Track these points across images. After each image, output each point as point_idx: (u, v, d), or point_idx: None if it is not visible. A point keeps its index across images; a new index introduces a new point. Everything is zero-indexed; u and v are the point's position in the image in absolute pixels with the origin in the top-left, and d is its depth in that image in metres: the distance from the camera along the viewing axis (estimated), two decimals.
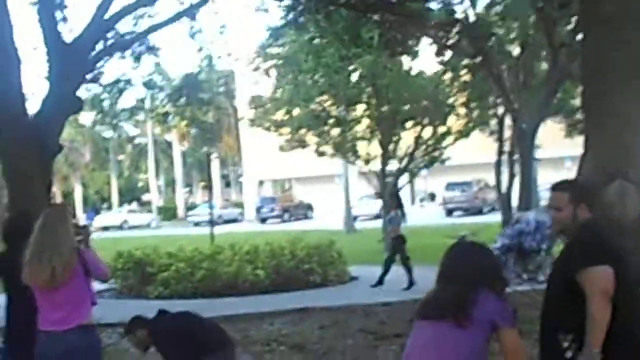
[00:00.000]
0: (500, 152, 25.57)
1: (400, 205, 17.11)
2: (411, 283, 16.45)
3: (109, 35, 11.23)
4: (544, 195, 17.90)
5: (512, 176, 23.85)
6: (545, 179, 39.50)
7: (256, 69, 27.52)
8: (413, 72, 25.76)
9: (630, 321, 4.18)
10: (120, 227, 58.48)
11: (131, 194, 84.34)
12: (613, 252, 4.31)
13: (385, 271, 16.89)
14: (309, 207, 58.60)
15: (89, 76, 11.22)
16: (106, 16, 10.40)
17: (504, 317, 3.87)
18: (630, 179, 5.57)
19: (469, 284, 3.92)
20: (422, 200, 61.36)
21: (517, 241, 15.76)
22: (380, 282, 16.84)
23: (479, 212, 46.46)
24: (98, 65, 11.62)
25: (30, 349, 5.59)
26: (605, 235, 4.45)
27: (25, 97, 9.25)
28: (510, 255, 15.60)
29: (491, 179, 34.02)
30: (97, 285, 5.80)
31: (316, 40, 20.23)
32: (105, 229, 55.27)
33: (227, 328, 12.02)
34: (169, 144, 77.94)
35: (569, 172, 42.91)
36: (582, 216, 4.41)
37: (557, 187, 4.62)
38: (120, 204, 76.22)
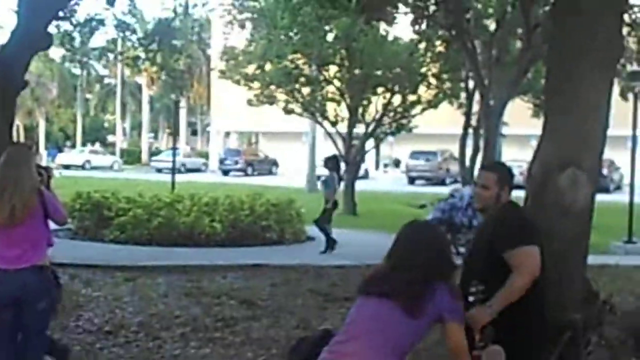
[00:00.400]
0: (467, 126, 25.76)
1: (337, 169, 16.59)
2: (328, 247, 16.06)
3: None
4: None
5: (476, 150, 24.05)
6: (510, 155, 39.97)
7: (231, 20, 27.32)
8: (389, 39, 25.74)
9: (540, 298, 4.57)
10: (82, 167, 58.03)
11: (96, 134, 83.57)
12: (539, 233, 4.66)
13: (326, 234, 16.42)
14: (274, 163, 58.58)
15: (61, 13, 11.09)
16: None
17: (453, 313, 3.88)
18: (583, 167, 5.67)
19: (425, 275, 3.87)
20: (386, 165, 61.62)
21: (449, 215, 15.99)
22: (329, 247, 16.18)
23: (442, 182, 46.74)
24: (71, 2, 11.49)
25: None
26: (529, 216, 4.93)
27: None
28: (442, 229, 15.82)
29: (456, 151, 34.30)
30: (52, 225, 5.81)
31: None
32: (67, 167, 54.82)
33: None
34: (138, 87, 77.24)
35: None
36: (505, 198, 4.75)
37: (486, 167, 5.13)
38: (84, 143, 75.54)
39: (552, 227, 5.46)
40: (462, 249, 15.83)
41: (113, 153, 68.45)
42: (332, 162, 16.55)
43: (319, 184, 24.29)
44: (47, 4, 9.95)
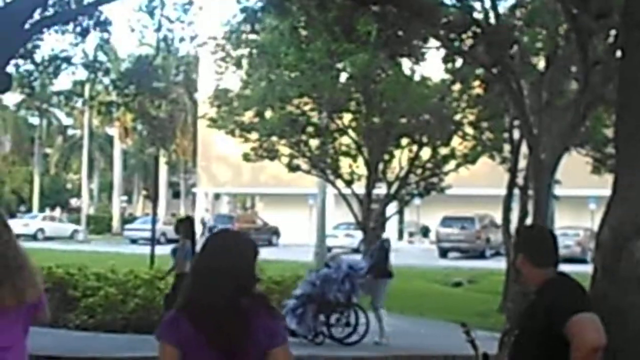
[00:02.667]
0: (512, 185, 25.72)
1: (191, 235, 15.89)
2: None
3: (50, 1, 11.28)
4: (562, 241, 18.06)
5: (523, 215, 23.98)
6: (565, 221, 39.90)
7: (224, 57, 27.57)
8: (415, 79, 25.91)
9: None
10: (34, 237, 57.25)
11: (56, 197, 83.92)
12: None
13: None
14: (275, 232, 58.63)
15: (21, 50, 11.25)
16: None
17: (277, 337, 3.96)
18: None
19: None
20: (411, 234, 61.57)
21: (320, 289, 15.83)
22: None
23: (481, 255, 46.60)
24: (33, 37, 11.66)
25: None
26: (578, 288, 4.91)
27: None
28: (311, 307, 15.68)
29: (498, 216, 34.24)
30: None
31: (301, 30, 20.32)
32: (17, 237, 54.46)
33: None
34: (109, 140, 77.73)
35: (593, 216, 43.29)
36: (519, 265, 4.92)
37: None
38: (42, 208, 75.75)
39: (628, 304, 5.43)
40: (335, 334, 15.76)
41: (77, 220, 68.51)
42: (184, 227, 15.97)
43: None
44: (5, 38, 10.09)
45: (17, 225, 61.08)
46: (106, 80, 19.79)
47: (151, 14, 15.73)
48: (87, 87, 24.97)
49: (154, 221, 27.53)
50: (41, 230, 60.15)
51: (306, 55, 23.18)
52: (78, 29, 14.19)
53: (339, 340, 15.58)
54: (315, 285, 15.77)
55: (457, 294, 27.26)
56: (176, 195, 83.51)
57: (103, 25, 13.98)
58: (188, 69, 63.90)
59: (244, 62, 27.30)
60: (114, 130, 74.31)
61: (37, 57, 15.19)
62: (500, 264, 28.11)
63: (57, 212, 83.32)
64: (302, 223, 57.99)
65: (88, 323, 16.17)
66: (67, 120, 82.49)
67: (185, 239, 15.17)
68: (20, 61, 14.40)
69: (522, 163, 25.20)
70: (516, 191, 25.48)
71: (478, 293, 26.62)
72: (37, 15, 10.87)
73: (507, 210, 25.57)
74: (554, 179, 21.91)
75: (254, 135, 27.98)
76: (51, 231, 60.07)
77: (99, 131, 76.90)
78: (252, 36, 26.08)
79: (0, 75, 9.97)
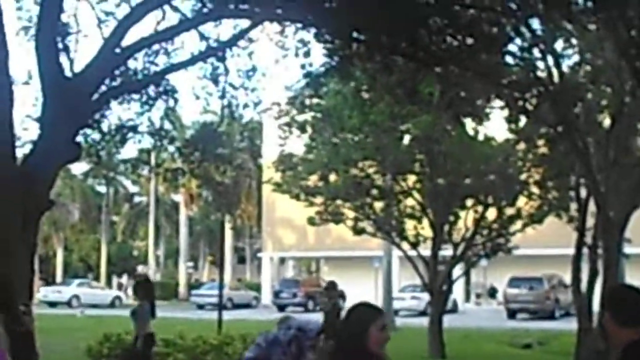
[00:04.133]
0: (580, 244, 25.34)
1: (151, 296, 15.54)
2: None
3: (117, 72, 11.47)
4: None
5: (593, 274, 23.59)
6: (635, 280, 39.20)
7: (288, 122, 27.76)
8: (479, 138, 25.81)
9: None
10: (68, 304, 56.91)
11: (123, 264, 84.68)
12: None
13: None
14: (340, 295, 58.30)
15: (89, 120, 11.45)
16: (117, 49, 10.62)
17: None
18: None
19: None
20: (478, 296, 60.98)
21: (267, 352, 15.36)
22: None
23: (550, 316, 45.97)
24: (102, 107, 11.87)
25: None
26: None
27: (15, 138, 9.41)
28: None
29: (567, 276, 33.74)
30: None
31: (364, 93, 20.42)
32: (52, 305, 54.36)
33: None
34: (175, 207, 78.41)
35: None
36: (605, 324, 4.90)
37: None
38: (109, 275, 76.48)
39: None
40: None
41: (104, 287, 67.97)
42: (142, 288, 15.71)
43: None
44: (74, 110, 10.26)
45: (52, 292, 60.59)
46: (171, 148, 19.94)
47: (215, 81, 15.88)
48: (152, 154, 25.20)
49: (221, 286, 27.69)
50: (76, 297, 59.19)
51: (369, 118, 23.25)
52: (144, 98, 14.41)
53: None
54: (263, 348, 15.48)
55: (527, 356, 26.84)
56: (241, 260, 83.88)
57: (169, 93, 14.18)
58: (252, 135, 64.60)
59: (308, 126, 27.45)
60: (179, 197, 75.03)
61: (104, 127, 15.40)
62: (570, 324, 27.63)
63: (124, 279, 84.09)
64: (368, 286, 57.74)
65: None
66: (133, 188, 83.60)
67: (144, 299, 14.92)
68: (88, 131, 14.63)
69: (590, 221, 24.87)
70: (585, 250, 25.12)
71: (549, 354, 26.19)
72: (104, 87, 11.04)
73: (576, 269, 25.14)
74: (623, 237, 21.58)
75: (318, 199, 28.00)
76: (88, 298, 58.56)
77: (165, 198, 77.71)
78: (316, 100, 26.25)
79: (70, 145, 10.14)
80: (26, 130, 21.23)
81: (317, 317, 16.52)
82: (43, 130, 10.19)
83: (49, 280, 71.61)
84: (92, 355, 17.61)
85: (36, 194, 9.39)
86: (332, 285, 17.95)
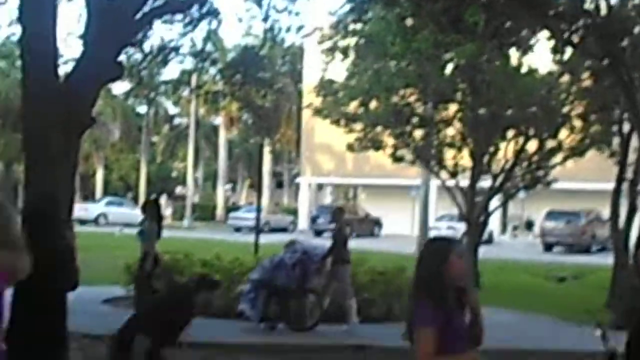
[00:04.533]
0: (620, 180, 25.19)
1: (158, 217, 15.82)
2: None
3: None
4: None
5: (632, 210, 23.51)
6: None
7: (331, 48, 27.58)
8: (522, 70, 25.57)
9: None
10: (95, 222, 57.24)
11: (162, 184, 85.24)
12: None
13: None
14: (377, 223, 58.63)
15: (132, 40, 11.44)
16: None
17: None
18: None
19: None
20: (515, 228, 60.91)
21: (271, 275, 15.55)
22: None
23: (586, 250, 45.93)
24: (144, 27, 11.83)
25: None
26: None
27: (58, 56, 9.42)
28: (262, 292, 15.44)
29: (605, 211, 33.62)
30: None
31: (408, 20, 20.19)
32: (82, 222, 53.83)
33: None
34: (214, 130, 78.59)
35: None
36: None
37: None
38: (148, 194, 77.12)
39: None
40: (288, 323, 15.48)
41: (181, 208, 69.43)
42: (150, 209, 15.92)
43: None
44: (117, 29, 10.25)
45: (75, 209, 60.23)
46: (213, 70, 19.94)
47: (259, 3, 15.80)
48: (194, 76, 25.22)
49: (259, 210, 27.83)
50: (103, 215, 59.70)
51: (412, 46, 23.02)
52: (187, 18, 14.38)
53: (292, 326, 15.51)
54: (268, 270, 15.73)
55: (562, 289, 26.85)
56: (279, 185, 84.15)
57: (212, 15, 14.13)
58: (293, 59, 64.35)
59: (350, 52, 27.26)
60: (219, 120, 75.20)
61: (146, 47, 15.41)
62: (606, 259, 27.57)
63: (163, 199, 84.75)
64: (404, 214, 57.92)
65: None
66: (173, 109, 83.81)
67: (152, 220, 15.50)
68: (131, 50, 14.65)
69: (632, 157, 24.69)
70: (625, 186, 24.95)
71: (584, 288, 26.18)
72: (147, 6, 11.00)
73: (615, 205, 25.02)
74: None
75: (358, 126, 27.96)
76: (116, 217, 57.36)
77: (205, 120, 77.85)
78: (359, 26, 26.02)
79: (113, 64, 10.15)
80: (69, 47, 21.32)
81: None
82: (86, 48, 10.19)
83: (89, 198, 72.42)
84: (130, 272, 17.82)
85: (78, 112, 9.43)
86: (339, 211, 18.02)
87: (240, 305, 15.27)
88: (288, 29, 17.45)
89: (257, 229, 25.74)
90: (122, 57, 11.70)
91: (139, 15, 10.74)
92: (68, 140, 9.18)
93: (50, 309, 6.11)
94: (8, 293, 5.32)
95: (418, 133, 27.29)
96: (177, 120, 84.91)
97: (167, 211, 77.17)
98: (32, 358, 5.94)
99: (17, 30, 9.91)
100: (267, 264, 15.85)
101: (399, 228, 56.98)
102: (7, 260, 4.68)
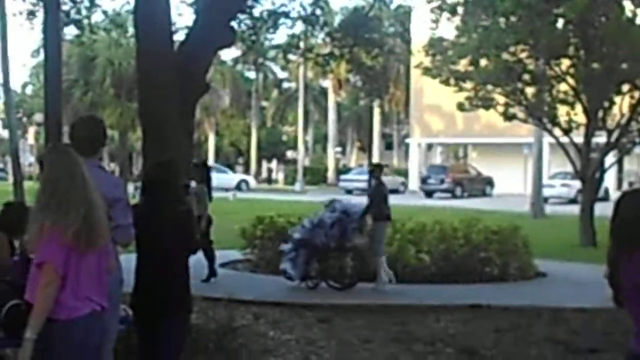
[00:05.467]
0: None
1: (208, 179, 15.85)
2: (212, 274, 15.84)
3: None
4: None
5: None
6: None
7: (439, 6, 27.30)
8: (637, 22, 24.94)
9: None
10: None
11: (273, 148, 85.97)
12: None
13: (210, 259, 15.93)
14: (489, 182, 58.08)
15: (243, 5, 11.57)
16: None
17: None
18: None
19: None
20: (631, 184, 59.60)
21: (310, 234, 15.25)
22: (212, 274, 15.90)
23: None
24: None
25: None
26: None
27: (172, 24, 9.56)
28: (302, 251, 15.21)
29: None
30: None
31: None
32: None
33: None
34: (323, 93, 78.81)
35: None
36: None
37: None
38: (259, 159, 77.85)
39: None
40: (329, 281, 15.40)
41: (293, 171, 69.99)
42: (199, 171, 15.78)
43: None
44: None
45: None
46: (321, 34, 19.96)
47: None
48: (301, 40, 25.34)
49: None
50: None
51: (523, 1, 22.71)
52: None
53: (333, 285, 15.49)
54: (308, 230, 15.66)
55: None
56: (389, 146, 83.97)
57: None
58: (402, 19, 63.92)
59: (459, 9, 26.96)
60: (328, 83, 75.32)
61: (256, 12, 15.56)
62: None
63: (274, 164, 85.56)
64: (516, 172, 57.30)
65: None
66: (282, 74, 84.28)
67: (202, 182, 15.65)
68: (241, 16, 14.79)
69: None
70: None
71: None
72: None
73: None
74: None
75: (468, 84, 27.66)
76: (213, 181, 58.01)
77: (313, 84, 78.10)
78: None
79: (225, 30, 10.27)
80: (180, 15, 21.55)
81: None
82: (198, 16, 10.35)
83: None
84: (246, 237, 18.08)
85: (193, 79, 9.59)
86: (378, 167, 17.84)
87: (283, 264, 15.37)
88: None
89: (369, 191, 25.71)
90: (233, 23, 11.84)
91: None
92: (184, 107, 9.34)
93: (173, 273, 6.26)
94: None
95: (530, 90, 26.88)
96: (285, 85, 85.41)
97: (278, 175, 78.02)
98: (157, 323, 6.10)
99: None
100: (308, 223, 15.93)
101: (511, 187, 56.38)
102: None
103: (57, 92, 6.42)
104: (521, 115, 27.80)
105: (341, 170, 71.15)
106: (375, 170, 16.99)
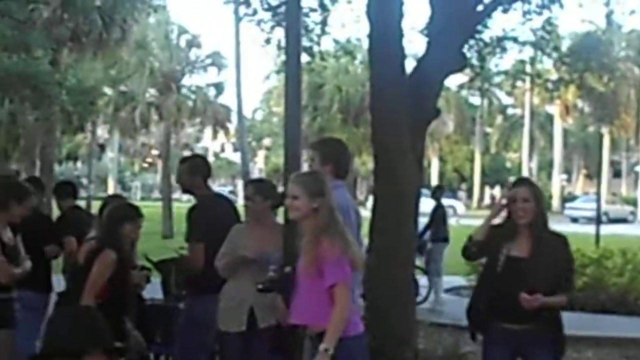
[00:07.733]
0: None
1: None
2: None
3: None
4: None
5: None
6: None
7: None
8: None
9: None
10: None
11: (496, 175, 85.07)
12: None
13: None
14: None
15: (473, 31, 11.52)
16: None
17: None
18: None
19: None
20: None
21: None
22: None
23: None
24: (484, 18, 11.89)
25: None
26: None
27: (404, 52, 9.61)
28: None
29: None
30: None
31: None
32: None
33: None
34: (549, 119, 77.38)
35: None
36: None
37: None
38: (482, 185, 77.13)
39: None
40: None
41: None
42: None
43: None
44: (461, 19, 10.35)
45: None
46: (550, 59, 19.62)
47: None
48: (528, 66, 25.01)
49: (599, 199, 27.14)
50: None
51: None
52: (526, 7, 14.35)
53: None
54: None
55: None
56: (617, 174, 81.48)
57: (554, 2, 13.96)
58: (636, 43, 61.73)
59: None
60: (554, 109, 73.80)
61: (486, 37, 15.47)
62: None
63: (497, 190, 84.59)
64: None
65: None
66: (507, 100, 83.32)
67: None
68: (471, 42, 14.75)
69: None
70: None
71: None
72: None
73: None
74: None
75: None
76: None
77: (539, 110, 76.76)
78: None
79: (457, 55, 10.27)
80: (410, 43, 21.73)
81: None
82: (430, 41, 10.37)
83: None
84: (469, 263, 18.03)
85: (424, 104, 9.64)
86: (439, 188, 17.73)
87: None
88: (632, 12, 16.90)
89: (598, 220, 25.14)
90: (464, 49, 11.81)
91: (479, 7, 10.81)
92: (415, 132, 9.39)
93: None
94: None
95: None
96: (510, 111, 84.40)
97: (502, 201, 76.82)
98: None
99: (361, 27, 10.24)
100: None
101: None
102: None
103: (297, 116, 6.58)
104: None
105: (566, 198, 69.54)
106: (436, 192, 17.14)
